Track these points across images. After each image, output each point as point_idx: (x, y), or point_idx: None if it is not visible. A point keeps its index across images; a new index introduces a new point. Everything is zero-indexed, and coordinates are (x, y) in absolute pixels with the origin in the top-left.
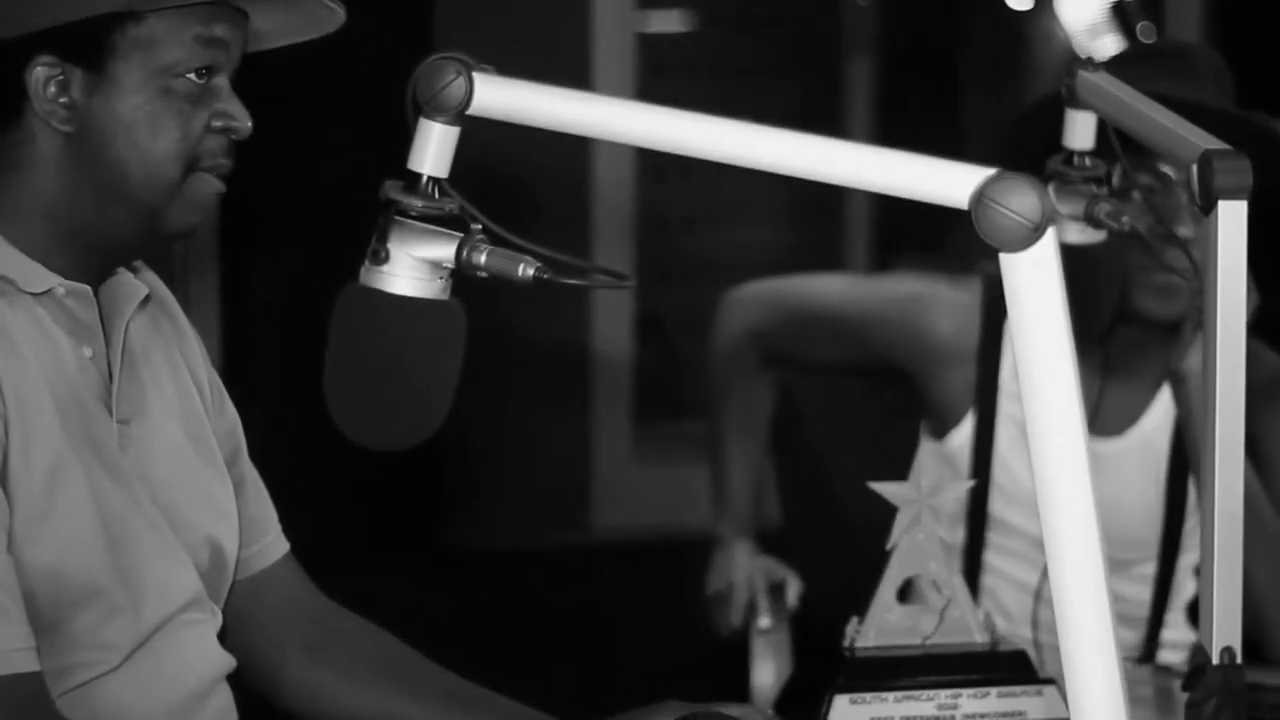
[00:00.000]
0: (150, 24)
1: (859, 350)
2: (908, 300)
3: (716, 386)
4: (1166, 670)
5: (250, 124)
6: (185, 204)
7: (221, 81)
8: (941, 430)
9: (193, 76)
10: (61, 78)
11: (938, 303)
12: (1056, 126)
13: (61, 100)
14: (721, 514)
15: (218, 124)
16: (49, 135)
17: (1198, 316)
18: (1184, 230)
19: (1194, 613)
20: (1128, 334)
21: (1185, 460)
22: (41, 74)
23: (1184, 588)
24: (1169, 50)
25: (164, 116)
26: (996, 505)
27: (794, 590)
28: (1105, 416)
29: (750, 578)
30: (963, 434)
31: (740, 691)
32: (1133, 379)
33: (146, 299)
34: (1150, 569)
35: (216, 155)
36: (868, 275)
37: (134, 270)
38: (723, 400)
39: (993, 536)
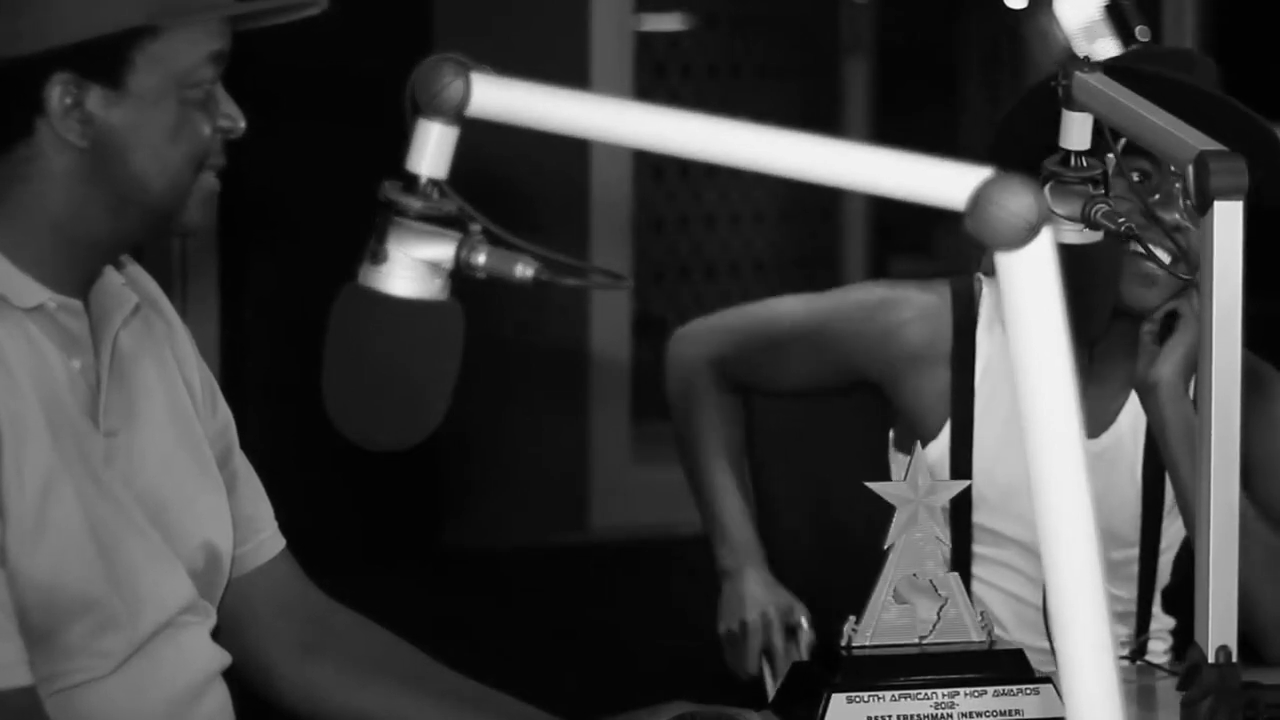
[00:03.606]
0: (167, 39)
1: (830, 366)
2: (877, 306)
3: (685, 421)
4: (1150, 668)
5: (244, 122)
6: (195, 202)
7: (219, 85)
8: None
9: (203, 85)
10: (78, 93)
11: (908, 307)
12: (1045, 120)
13: (77, 115)
14: (722, 546)
15: (221, 125)
16: (62, 150)
17: (1154, 327)
18: (1172, 217)
19: (1169, 601)
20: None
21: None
22: (59, 90)
23: (1161, 578)
24: (1172, 55)
25: (182, 126)
26: (981, 514)
27: (806, 639)
28: (1084, 419)
29: (765, 617)
30: (940, 446)
31: (740, 690)
32: (1106, 380)
33: (136, 308)
34: (1134, 567)
35: (217, 155)
36: (823, 292)
37: (120, 266)
38: (694, 432)
39: (979, 548)
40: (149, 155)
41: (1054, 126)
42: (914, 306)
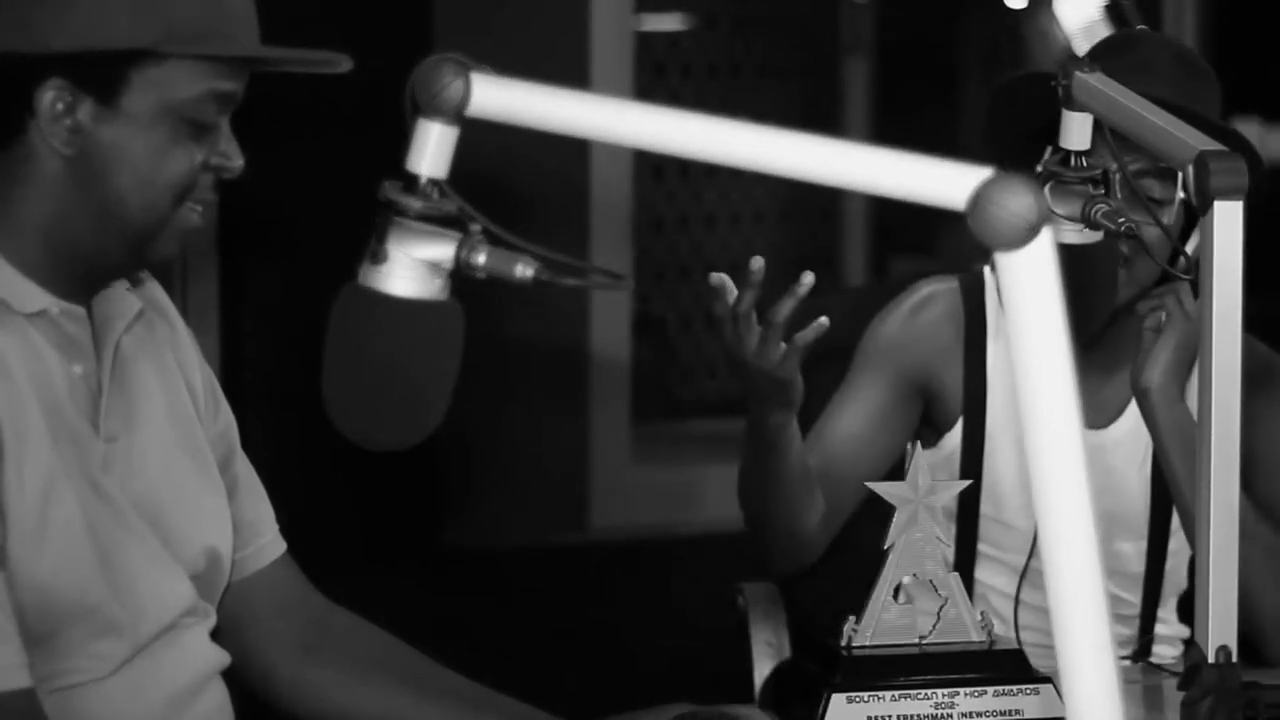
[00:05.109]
0: (169, 67)
1: (908, 397)
2: (920, 306)
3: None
4: (1156, 668)
5: (242, 163)
6: (171, 234)
7: (223, 123)
8: (934, 437)
9: (201, 120)
10: (70, 102)
11: (936, 301)
12: (1039, 103)
13: (67, 124)
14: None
15: (215, 162)
16: (50, 155)
17: (1156, 322)
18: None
19: (1185, 608)
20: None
21: None
22: (51, 95)
23: (1174, 579)
24: (1127, 43)
25: (168, 154)
26: (988, 508)
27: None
28: (1092, 410)
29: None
30: (954, 437)
31: (739, 690)
32: (1114, 371)
33: (140, 313)
34: (1139, 565)
35: (205, 190)
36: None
37: (139, 281)
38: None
39: (984, 547)
40: (131, 176)
41: (1045, 111)
42: (940, 300)
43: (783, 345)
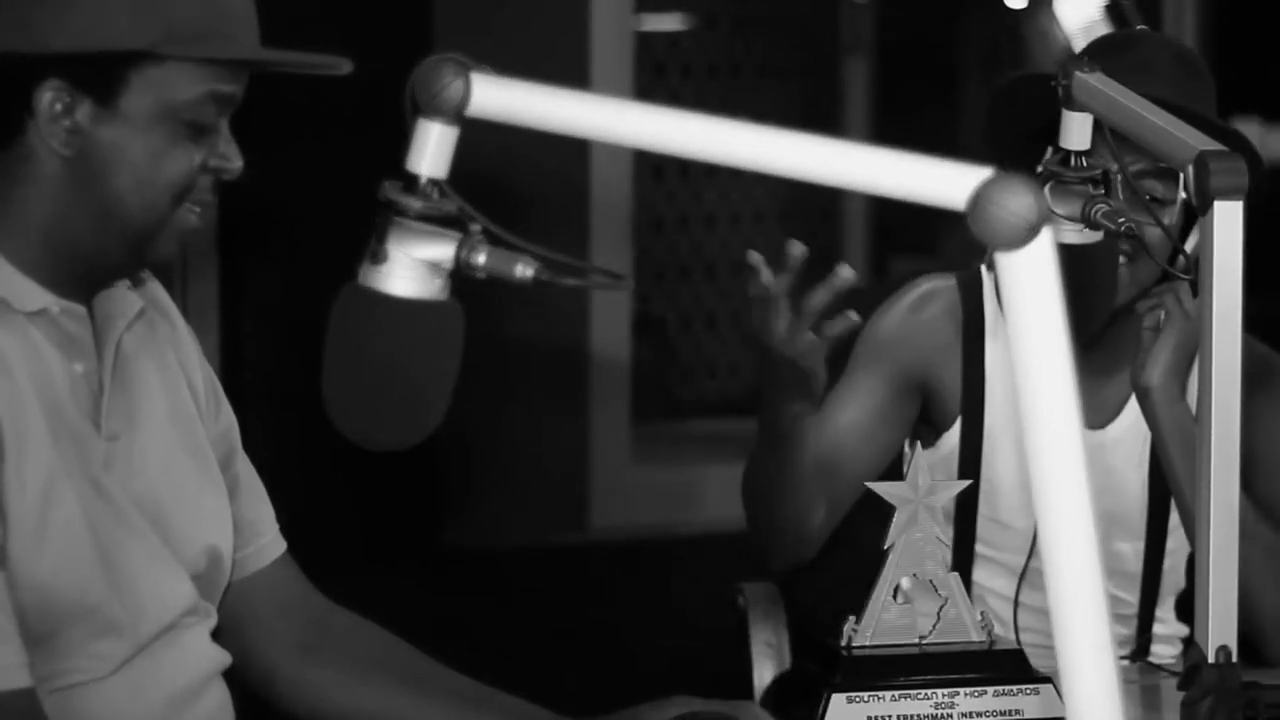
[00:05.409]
0: (168, 68)
1: (905, 391)
2: (921, 301)
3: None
4: (1154, 667)
5: (241, 164)
6: (170, 234)
7: (222, 124)
8: (933, 436)
9: (200, 121)
10: (69, 102)
11: (937, 297)
12: (1039, 103)
13: (65, 124)
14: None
15: (213, 163)
16: (49, 155)
17: (1155, 321)
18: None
19: (1184, 607)
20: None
21: None
22: (50, 96)
23: (1172, 579)
24: (1127, 43)
25: (167, 155)
26: (985, 508)
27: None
28: (1091, 410)
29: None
30: (953, 437)
31: (739, 690)
32: (1113, 371)
33: (141, 311)
34: (1137, 565)
35: (204, 191)
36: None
37: (140, 281)
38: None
39: (981, 548)
40: (129, 177)
41: (1045, 111)
42: (940, 298)
43: (810, 335)
